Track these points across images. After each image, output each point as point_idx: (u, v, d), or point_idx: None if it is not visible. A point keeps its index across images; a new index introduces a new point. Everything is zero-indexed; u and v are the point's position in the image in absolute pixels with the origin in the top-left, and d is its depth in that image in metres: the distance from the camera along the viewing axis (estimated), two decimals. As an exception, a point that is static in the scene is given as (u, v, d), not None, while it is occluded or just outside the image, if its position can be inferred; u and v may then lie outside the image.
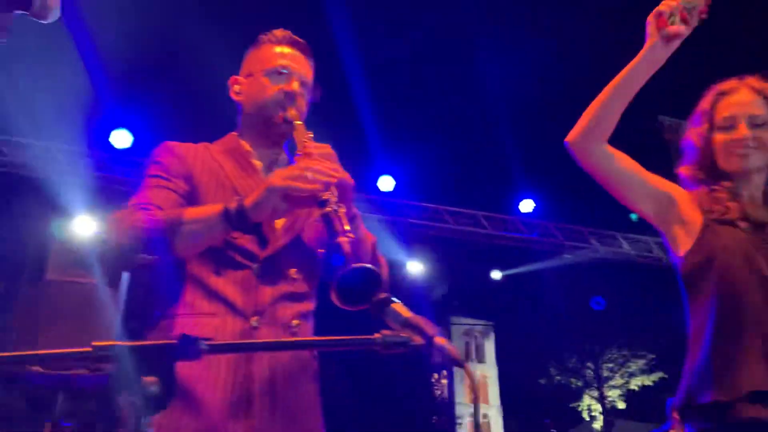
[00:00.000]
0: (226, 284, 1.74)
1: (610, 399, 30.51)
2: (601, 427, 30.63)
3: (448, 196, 10.38)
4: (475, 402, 1.66)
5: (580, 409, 31.65)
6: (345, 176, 1.70)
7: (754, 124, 2.06)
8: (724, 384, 1.84)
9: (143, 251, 1.64)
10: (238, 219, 1.62)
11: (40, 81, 10.64)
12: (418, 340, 1.12)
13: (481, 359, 37.36)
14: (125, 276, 4.92)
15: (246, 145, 2.00)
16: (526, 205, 10.36)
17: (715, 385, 1.85)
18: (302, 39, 2.09)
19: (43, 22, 1.55)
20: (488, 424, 34.18)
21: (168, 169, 1.86)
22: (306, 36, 2.08)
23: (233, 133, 2.07)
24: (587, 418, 31.67)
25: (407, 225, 9.94)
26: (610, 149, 2.05)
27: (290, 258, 1.85)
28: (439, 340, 1.10)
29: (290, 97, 1.94)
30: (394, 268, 12.92)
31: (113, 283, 4.78)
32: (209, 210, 1.67)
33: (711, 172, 2.15)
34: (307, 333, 1.77)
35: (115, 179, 8.86)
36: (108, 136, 8.50)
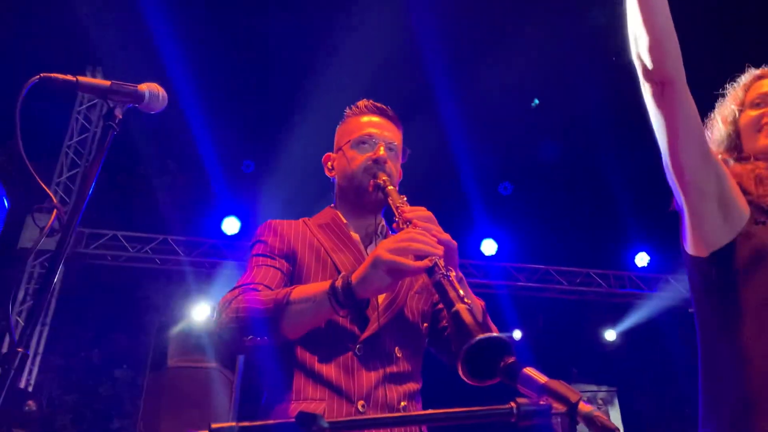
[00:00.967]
0: (329, 369, 1.70)
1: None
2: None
3: (555, 256, 9.98)
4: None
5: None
6: (447, 237, 1.65)
7: None
8: None
9: (252, 333, 1.62)
10: (345, 296, 1.57)
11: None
12: (560, 407, 0.99)
13: None
14: (241, 359, 5.03)
15: (342, 218, 2.00)
16: (641, 259, 9.84)
17: None
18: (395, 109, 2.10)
19: (149, 113, 1.64)
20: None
21: (272, 248, 1.88)
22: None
23: (331, 206, 2.08)
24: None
25: (515, 289, 9.63)
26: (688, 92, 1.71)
27: (392, 336, 1.79)
28: (585, 407, 0.97)
29: (378, 163, 1.94)
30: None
31: (230, 366, 4.88)
32: (316, 288, 1.64)
33: (737, 153, 1.93)
34: None
35: (229, 265, 9.22)
36: (220, 224, 8.92)
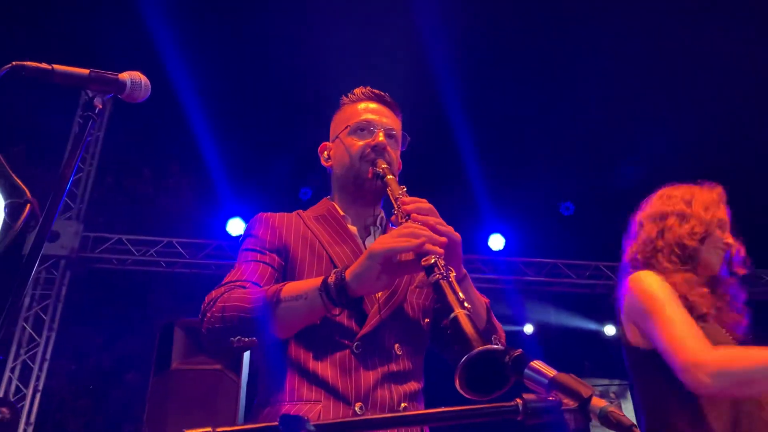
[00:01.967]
0: (324, 368, 1.60)
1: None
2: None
3: (564, 250, 9.86)
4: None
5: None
6: (450, 230, 1.54)
7: None
8: None
9: (239, 333, 1.51)
10: (338, 293, 1.46)
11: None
12: (570, 403, 0.91)
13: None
14: (246, 360, 4.96)
15: (339, 209, 1.91)
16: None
17: None
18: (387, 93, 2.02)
19: (134, 102, 1.56)
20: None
21: (263, 243, 1.78)
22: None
23: (327, 197, 2.00)
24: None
25: (524, 283, 9.52)
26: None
27: (392, 332, 1.68)
28: (598, 402, 0.88)
29: (377, 149, 1.85)
30: (511, 332, 12.42)
31: (235, 367, 4.82)
32: (307, 285, 1.53)
33: (684, 264, 2.13)
34: None
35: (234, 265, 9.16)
36: (225, 225, 8.88)
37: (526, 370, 1.02)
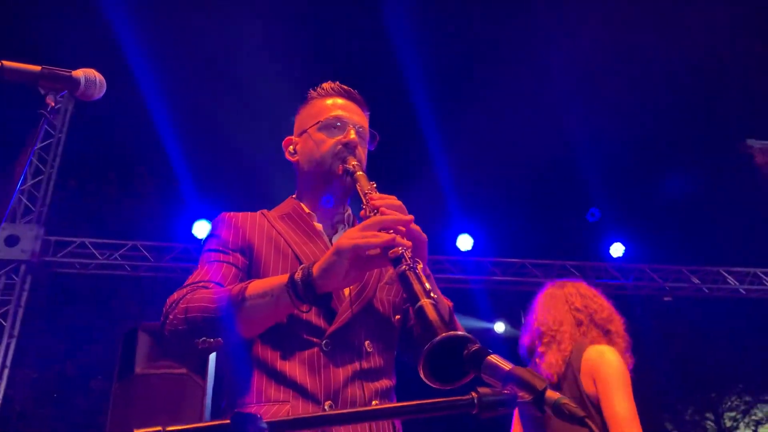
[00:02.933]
0: (293, 366, 1.57)
1: (738, 451, 27.82)
2: (731, 483, 27.85)
3: (531, 250, 9.98)
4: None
5: (705, 465, 28.98)
6: (417, 230, 1.53)
7: None
8: None
9: (204, 334, 1.47)
10: (305, 290, 1.43)
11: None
12: (525, 396, 0.91)
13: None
14: (212, 364, 4.90)
15: (305, 207, 1.88)
16: (617, 250, 9.88)
17: None
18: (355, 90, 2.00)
19: (89, 100, 1.53)
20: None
21: (226, 243, 1.74)
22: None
23: (292, 196, 1.97)
24: (714, 475, 28.93)
25: (492, 283, 9.60)
26: None
27: (362, 329, 1.66)
28: (552, 395, 0.89)
29: (349, 147, 1.82)
30: (480, 330, 12.50)
31: (201, 371, 4.75)
32: (273, 282, 1.50)
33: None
34: None
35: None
36: (191, 228, 8.77)
37: (484, 364, 1.02)
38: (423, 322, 1.21)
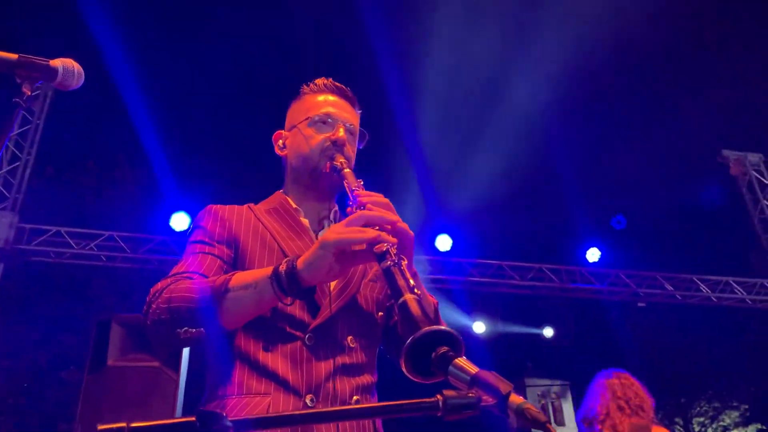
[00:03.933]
0: (275, 359, 1.57)
1: (705, 456, 28.24)
2: (698, 487, 28.26)
3: (508, 252, 10.05)
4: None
5: (673, 469, 29.37)
6: (404, 227, 1.52)
7: None
8: None
9: (186, 324, 1.46)
10: (289, 282, 1.43)
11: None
12: (489, 400, 0.93)
13: (560, 422, 35.45)
14: (185, 358, 4.87)
15: (292, 202, 1.88)
16: (593, 255, 9.98)
17: None
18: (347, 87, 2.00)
19: (67, 90, 1.51)
20: (575, 491, 32.09)
21: (212, 234, 1.73)
22: (360, 93, 1.99)
23: (279, 191, 1.97)
24: (682, 479, 29.33)
25: (470, 284, 9.65)
26: None
27: (345, 324, 1.66)
28: (516, 399, 0.90)
29: (337, 144, 1.82)
30: (458, 330, 12.55)
31: (174, 365, 4.72)
32: (258, 274, 1.50)
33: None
34: None
35: (177, 261, 8.98)
36: (168, 220, 8.69)
37: (450, 367, 1.03)
38: (406, 317, 1.21)
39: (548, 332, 13.12)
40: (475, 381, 0.97)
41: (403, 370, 1.13)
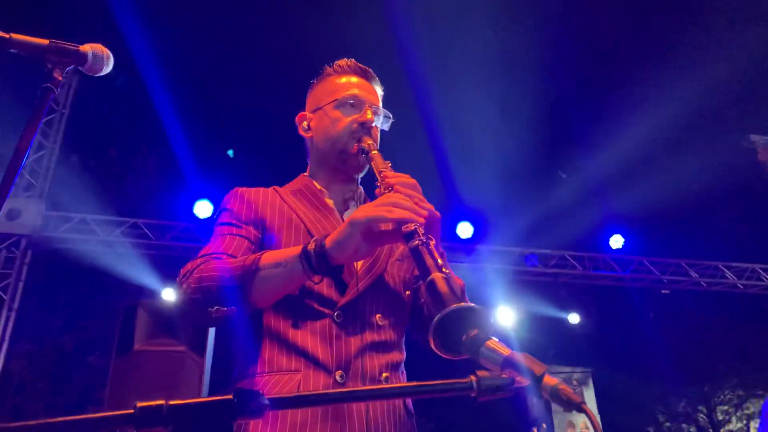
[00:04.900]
0: (305, 336, 1.59)
1: (729, 445, 28.00)
2: (723, 476, 28.04)
3: (531, 239, 9.99)
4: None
5: (696, 457, 29.16)
6: (431, 207, 1.53)
7: None
8: None
9: (218, 303, 1.49)
10: (318, 261, 1.46)
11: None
12: (523, 381, 0.92)
13: (586, 405, 35.25)
14: (210, 342, 4.93)
15: (317, 184, 1.89)
16: (616, 241, 9.88)
17: None
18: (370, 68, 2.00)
19: (95, 75, 1.53)
20: (597, 478, 31.93)
21: (239, 216, 1.76)
22: (384, 78, 1.99)
23: (303, 173, 1.98)
24: (705, 467, 29.13)
25: (492, 271, 9.62)
26: None
27: (373, 302, 1.68)
28: (550, 380, 0.90)
29: (365, 126, 1.84)
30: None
31: (199, 349, 4.78)
32: (287, 253, 1.52)
33: None
34: None
35: (201, 248, 9.05)
36: (192, 207, 8.76)
37: (482, 349, 1.03)
38: (434, 295, 1.22)
39: (574, 318, 13.02)
40: (508, 362, 0.97)
41: (432, 346, 1.14)
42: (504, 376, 0.93)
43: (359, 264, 1.70)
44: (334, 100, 1.89)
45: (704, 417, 28.37)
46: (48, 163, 8.47)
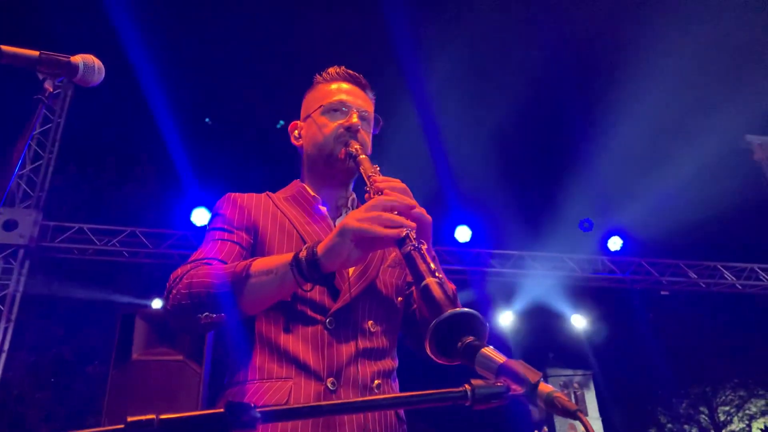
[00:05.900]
0: (296, 343, 1.57)
1: (731, 445, 27.94)
2: (725, 476, 27.97)
3: (527, 242, 9.99)
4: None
5: (698, 458, 29.10)
6: (422, 211, 1.52)
7: None
8: None
9: (207, 309, 1.46)
10: (309, 269, 1.44)
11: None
12: (518, 389, 0.92)
13: (582, 412, 35.18)
14: (208, 351, 4.91)
15: (310, 190, 1.88)
16: (614, 243, 9.88)
17: None
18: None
19: (87, 86, 1.52)
20: (599, 481, 31.90)
21: (231, 222, 1.74)
22: (381, 85, 1.99)
23: (296, 180, 1.98)
24: (708, 468, 29.06)
25: (490, 275, 9.61)
26: None
27: (365, 309, 1.67)
28: (545, 388, 0.89)
29: (351, 130, 1.83)
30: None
31: (197, 358, 4.77)
32: (278, 260, 1.50)
33: None
34: None
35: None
36: (189, 215, 8.75)
37: (477, 357, 1.02)
38: (428, 300, 1.21)
39: (577, 321, 13.01)
40: (502, 370, 0.96)
41: (428, 351, 1.13)
42: (499, 384, 0.92)
43: (351, 270, 1.68)
44: (320, 107, 1.89)
45: (706, 418, 28.32)
46: (45, 173, 8.46)
